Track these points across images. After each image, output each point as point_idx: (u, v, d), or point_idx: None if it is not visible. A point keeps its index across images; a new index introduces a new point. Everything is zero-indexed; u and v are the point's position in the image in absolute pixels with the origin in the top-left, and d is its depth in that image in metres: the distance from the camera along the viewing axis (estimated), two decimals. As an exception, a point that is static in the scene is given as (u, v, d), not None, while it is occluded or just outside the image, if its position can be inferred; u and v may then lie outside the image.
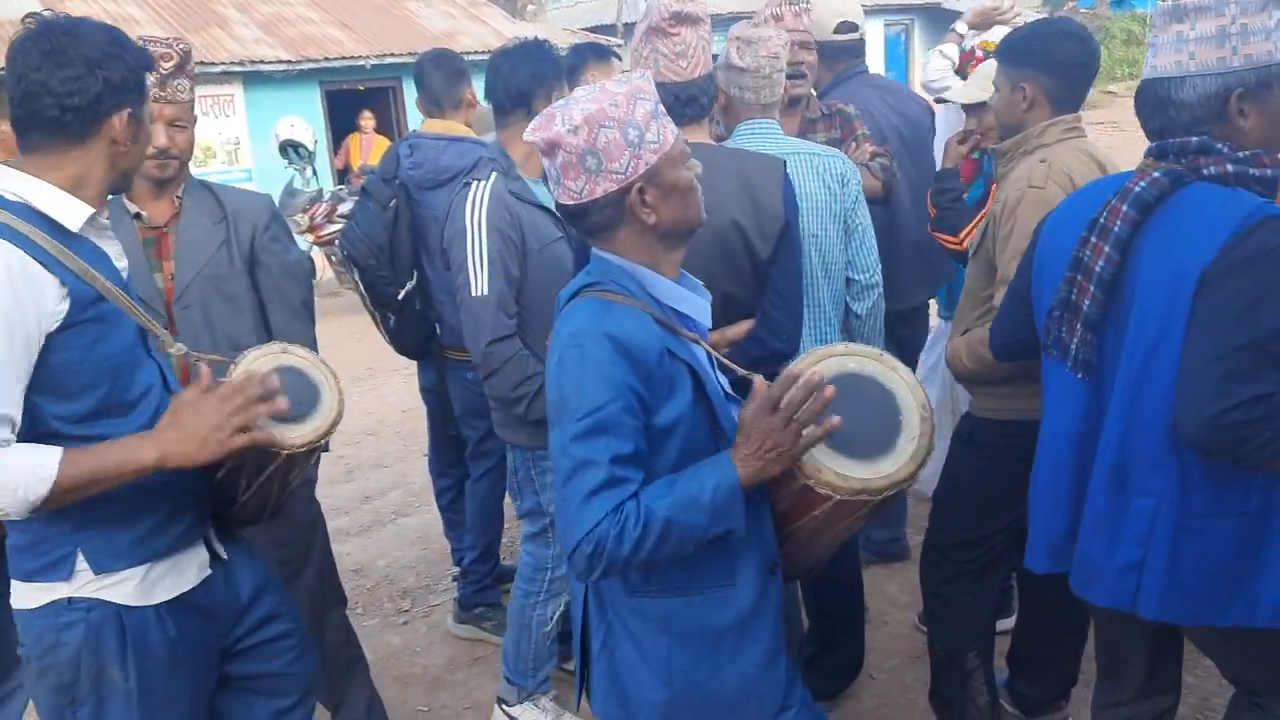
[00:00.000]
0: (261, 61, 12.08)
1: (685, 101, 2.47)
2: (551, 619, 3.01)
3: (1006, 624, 3.10)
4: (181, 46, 2.43)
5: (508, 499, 3.81)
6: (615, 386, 1.60)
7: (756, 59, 2.66)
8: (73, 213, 1.73)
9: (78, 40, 1.69)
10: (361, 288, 3.59)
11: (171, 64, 2.37)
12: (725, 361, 1.84)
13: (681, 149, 1.72)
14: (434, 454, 4.04)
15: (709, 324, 1.83)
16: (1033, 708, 2.94)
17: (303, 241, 10.63)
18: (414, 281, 3.49)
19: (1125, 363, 1.92)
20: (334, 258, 4.21)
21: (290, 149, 9.72)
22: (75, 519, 1.76)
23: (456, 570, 3.94)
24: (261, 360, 1.98)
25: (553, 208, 2.89)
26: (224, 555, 2.04)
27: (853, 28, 3.73)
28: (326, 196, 9.35)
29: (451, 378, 3.62)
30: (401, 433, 6.17)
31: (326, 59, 12.59)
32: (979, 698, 2.73)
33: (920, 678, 3.11)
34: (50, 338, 1.67)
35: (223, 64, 11.75)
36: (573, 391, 1.62)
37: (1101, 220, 1.94)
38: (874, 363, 1.70)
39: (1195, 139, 1.85)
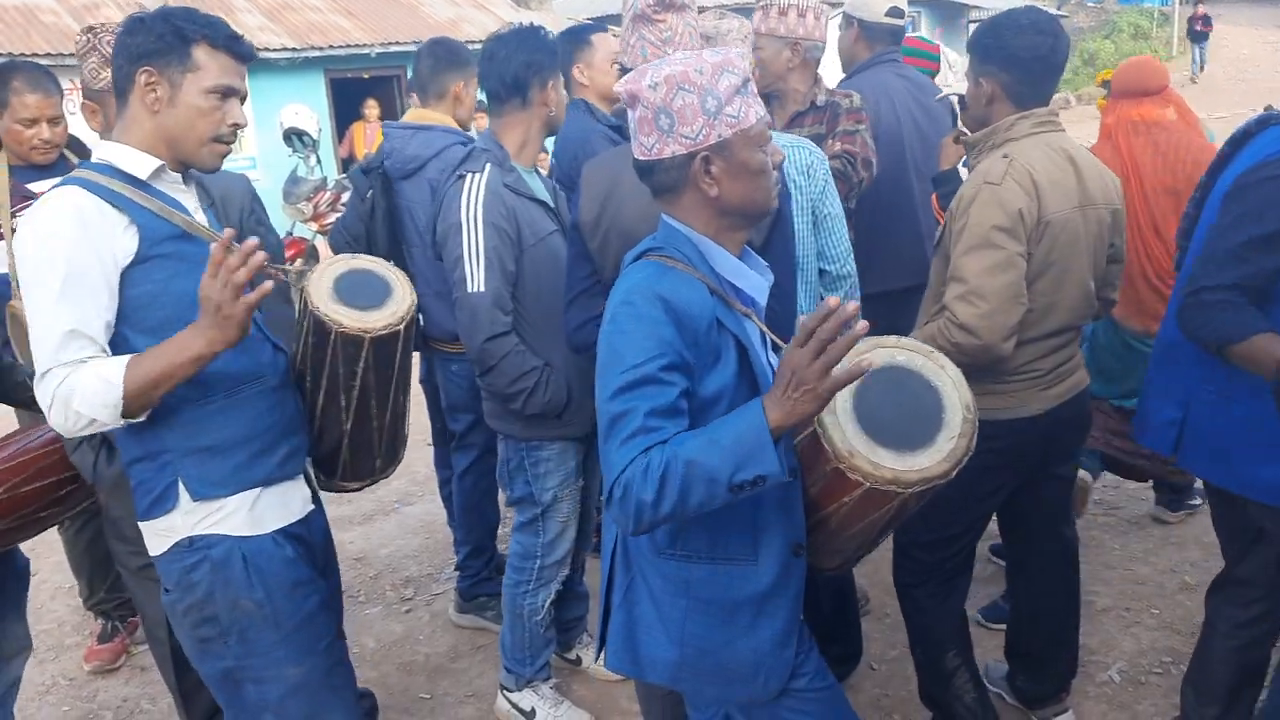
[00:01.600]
0: (266, 49, 12.05)
1: None
2: (543, 607, 3.00)
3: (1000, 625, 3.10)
4: None
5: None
6: (661, 344, 1.63)
7: None
8: (141, 164, 1.94)
9: (136, 17, 1.93)
10: None
11: None
12: (778, 341, 1.81)
13: (761, 131, 1.72)
14: (436, 444, 4.04)
15: (764, 303, 1.85)
16: (1034, 700, 2.94)
17: (306, 229, 10.57)
18: None
19: (1187, 265, 2.37)
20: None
21: (295, 137, 9.69)
22: (175, 452, 1.94)
23: (459, 559, 3.94)
24: (334, 266, 2.08)
25: (547, 200, 2.85)
26: (318, 494, 2.22)
27: (900, 13, 3.77)
28: (330, 185, 9.35)
29: (439, 369, 3.59)
30: (404, 421, 6.17)
31: (331, 47, 12.58)
32: (965, 695, 2.72)
33: (921, 669, 3.12)
34: (127, 272, 1.86)
35: (227, 51, 11.72)
36: (621, 347, 1.65)
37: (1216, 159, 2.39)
38: (923, 358, 1.73)
39: None
